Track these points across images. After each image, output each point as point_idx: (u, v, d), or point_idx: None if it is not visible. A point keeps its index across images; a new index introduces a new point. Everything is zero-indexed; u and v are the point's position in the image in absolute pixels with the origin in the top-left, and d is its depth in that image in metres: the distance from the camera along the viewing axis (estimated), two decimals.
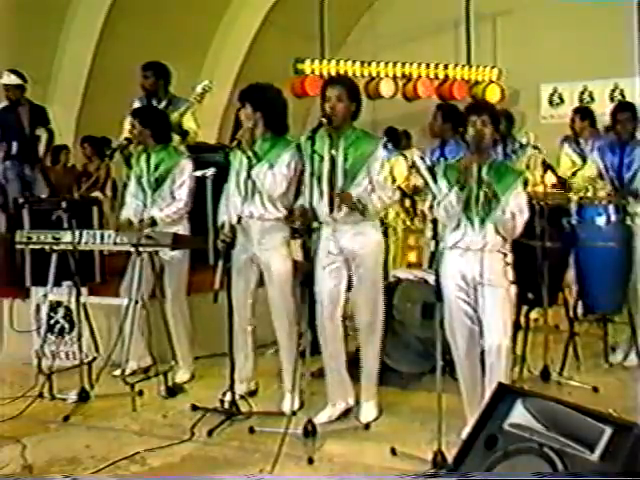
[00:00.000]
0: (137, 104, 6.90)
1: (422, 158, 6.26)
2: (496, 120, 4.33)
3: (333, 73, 11.00)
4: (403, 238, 6.94)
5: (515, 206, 4.21)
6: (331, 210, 4.50)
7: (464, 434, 3.84)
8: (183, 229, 5.61)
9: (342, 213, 4.52)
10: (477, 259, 4.24)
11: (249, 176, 4.83)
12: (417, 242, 6.85)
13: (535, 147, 6.13)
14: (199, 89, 6.60)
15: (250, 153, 4.80)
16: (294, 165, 4.78)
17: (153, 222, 5.48)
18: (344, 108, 4.54)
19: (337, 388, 4.74)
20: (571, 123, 7.53)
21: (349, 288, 4.67)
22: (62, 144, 9.71)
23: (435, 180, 4.42)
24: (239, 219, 4.91)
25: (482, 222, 4.23)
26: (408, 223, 6.85)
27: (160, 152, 5.68)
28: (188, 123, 6.68)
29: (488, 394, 3.62)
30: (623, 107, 5.87)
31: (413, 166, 6.61)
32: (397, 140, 9.14)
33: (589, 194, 5.81)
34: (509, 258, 4.29)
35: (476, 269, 4.24)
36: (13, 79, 7.72)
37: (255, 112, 4.83)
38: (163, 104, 6.62)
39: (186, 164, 5.65)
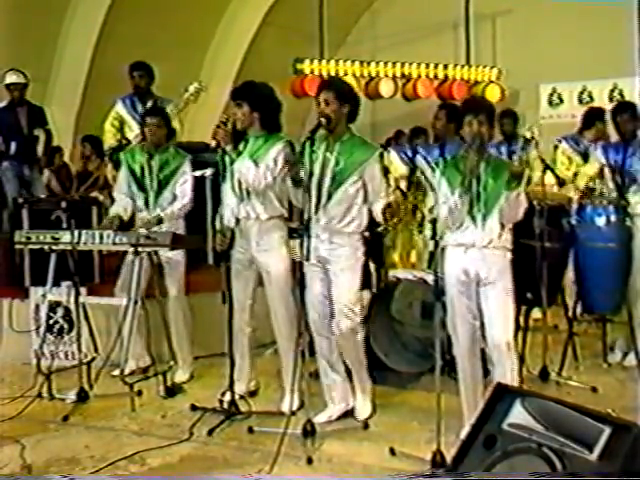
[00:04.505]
0: (120, 104, 6.90)
1: (424, 158, 6.27)
2: (492, 117, 4.33)
3: (332, 73, 11.02)
4: (402, 238, 6.92)
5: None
6: (316, 211, 4.50)
7: (463, 434, 3.84)
8: (180, 228, 5.60)
9: (326, 218, 4.50)
10: (480, 256, 4.24)
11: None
12: (416, 242, 6.83)
13: (537, 144, 6.13)
14: (192, 89, 6.59)
15: (228, 148, 4.75)
16: (282, 159, 4.72)
17: (159, 221, 5.48)
18: (334, 111, 4.48)
19: (336, 388, 4.73)
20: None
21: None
22: (56, 146, 9.69)
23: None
24: (237, 221, 4.89)
25: (484, 218, 4.23)
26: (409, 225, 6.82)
27: (163, 153, 5.67)
28: (174, 123, 6.68)
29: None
30: (623, 107, 5.92)
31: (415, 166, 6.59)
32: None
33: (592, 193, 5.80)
34: (510, 255, 4.30)
35: (479, 265, 4.24)
36: (21, 78, 7.75)
37: (252, 112, 4.80)
38: (149, 104, 6.62)
39: (188, 164, 5.68)
